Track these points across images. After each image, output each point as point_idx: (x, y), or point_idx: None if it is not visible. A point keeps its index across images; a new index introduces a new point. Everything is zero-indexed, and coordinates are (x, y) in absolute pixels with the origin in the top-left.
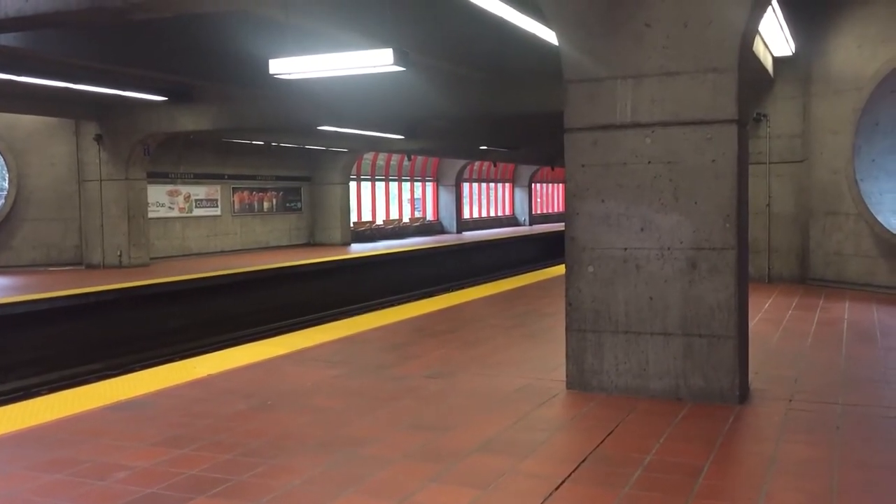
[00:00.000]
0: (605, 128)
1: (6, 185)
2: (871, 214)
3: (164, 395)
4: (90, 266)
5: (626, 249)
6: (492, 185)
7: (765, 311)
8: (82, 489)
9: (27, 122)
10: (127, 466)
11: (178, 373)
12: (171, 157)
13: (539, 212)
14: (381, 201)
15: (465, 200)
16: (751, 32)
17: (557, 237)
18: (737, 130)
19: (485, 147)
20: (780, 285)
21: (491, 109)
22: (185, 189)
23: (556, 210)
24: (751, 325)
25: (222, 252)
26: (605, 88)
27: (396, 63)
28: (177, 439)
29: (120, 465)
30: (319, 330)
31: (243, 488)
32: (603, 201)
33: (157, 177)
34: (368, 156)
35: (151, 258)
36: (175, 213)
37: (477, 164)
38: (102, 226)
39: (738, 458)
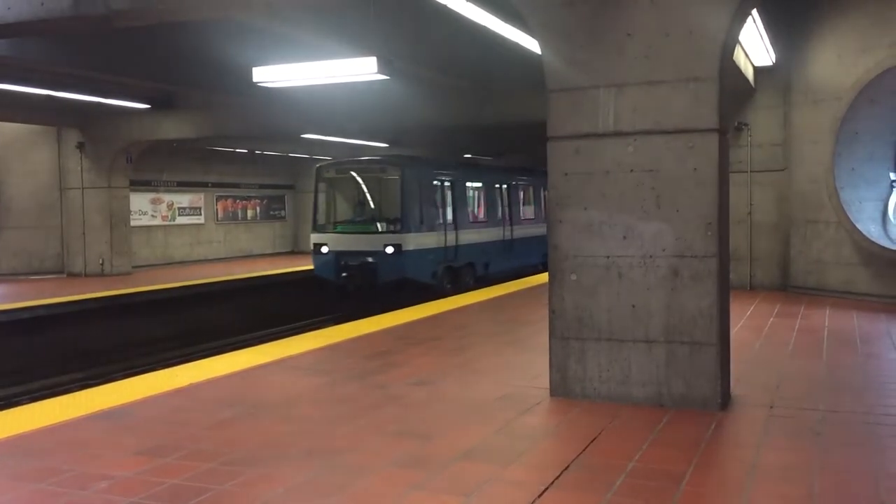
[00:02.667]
0: (587, 136)
1: None
2: (851, 223)
3: (146, 404)
4: (72, 274)
5: (608, 257)
6: None
7: (746, 319)
8: (64, 499)
9: (8, 129)
10: (108, 476)
11: (161, 381)
12: (155, 164)
13: None
14: None
15: None
16: (731, 42)
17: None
18: (718, 139)
19: (469, 155)
20: (761, 293)
21: (476, 118)
22: (168, 197)
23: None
24: (732, 332)
25: (206, 260)
26: (587, 97)
27: (381, 71)
28: (159, 448)
29: (101, 474)
30: (303, 338)
31: (225, 497)
32: (586, 209)
33: (139, 185)
34: None
35: (134, 267)
36: (158, 222)
37: None
38: (84, 234)
39: (719, 464)
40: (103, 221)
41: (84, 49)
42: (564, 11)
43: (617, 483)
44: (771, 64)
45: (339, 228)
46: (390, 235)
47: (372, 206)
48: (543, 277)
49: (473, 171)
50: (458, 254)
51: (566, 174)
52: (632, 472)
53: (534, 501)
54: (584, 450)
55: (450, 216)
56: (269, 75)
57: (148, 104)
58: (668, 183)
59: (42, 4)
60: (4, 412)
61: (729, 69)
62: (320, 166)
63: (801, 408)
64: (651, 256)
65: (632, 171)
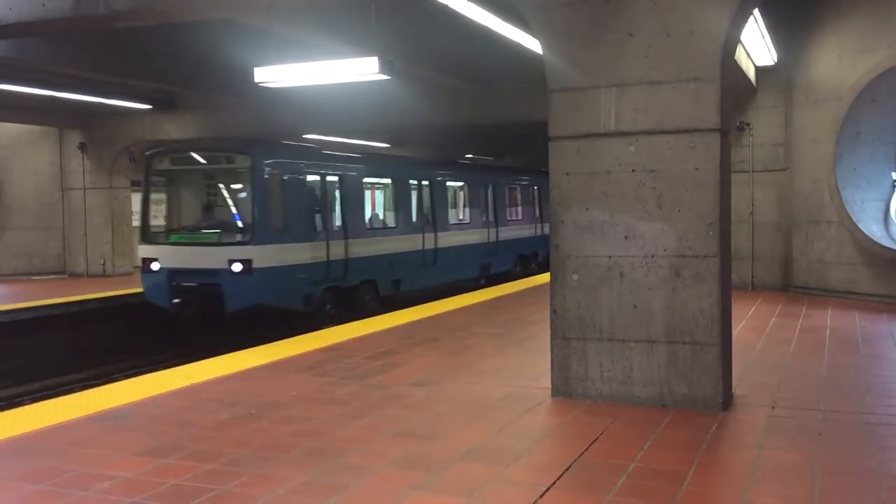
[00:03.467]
0: (588, 136)
1: None
2: (853, 222)
3: (147, 405)
4: (73, 275)
5: (610, 257)
6: None
7: (748, 319)
8: (65, 499)
9: (10, 130)
10: (110, 476)
11: (162, 382)
12: None
13: None
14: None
15: None
16: (732, 42)
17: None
18: (719, 139)
19: (470, 155)
20: (763, 293)
21: (477, 118)
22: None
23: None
24: (734, 332)
25: None
26: (588, 97)
27: (381, 72)
28: (160, 449)
29: (103, 475)
30: (304, 339)
31: (227, 498)
32: (587, 209)
33: (142, 185)
34: None
35: (135, 267)
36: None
37: None
38: (86, 234)
39: (721, 464)
40: (105, 222)
41: (85, 49)
42: (565, 11)
43: (618, 483)
44: (772, 64)
45: (173, 238)
46: (237, 248)
47: (215, 207)
48: (545, 278)
49: (377, 163)
50: (348, 270)
51: (567, 174)
52: (633, 472)
53: (535, 502)
54: (585, 450)
55: (337, 221)
56: (271, 75)
57: (149, 105)
58: (669, 183)
59: (43, 5)
60: (6, 413)
61: (730, 69)
62: (151, 154)
63: (802, 408)
64: (652, 256)
65: (633, 171)
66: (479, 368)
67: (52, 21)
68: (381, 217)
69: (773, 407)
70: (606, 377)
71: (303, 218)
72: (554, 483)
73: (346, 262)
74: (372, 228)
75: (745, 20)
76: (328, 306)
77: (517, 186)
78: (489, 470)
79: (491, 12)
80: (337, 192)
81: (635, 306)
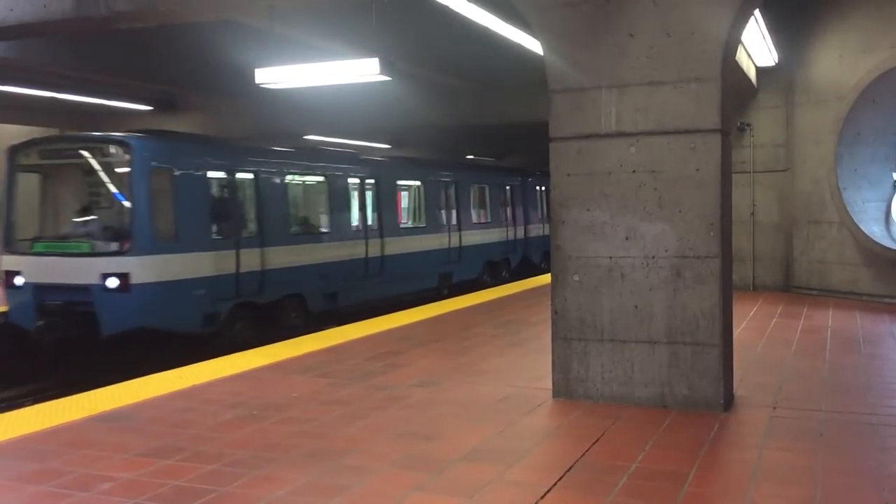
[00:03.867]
0: (589, 137)
1: None
2: (854, 223)
3: (148, 406)
4: None
5: (611, 258)
6: None
7: (749, 319)
8: (66, 500)
9: (11, 131)
10: (111, 477)
11: (163, 383)
12: None
13: None
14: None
15: None
16: (733, 42)
17: None
18: (720, 139)
19: (471, 156)
20: (764, 293)
21: (478, 119)
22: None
23: None
24: (735, 333)
25: None
26: (589, 98)
27: (382, 72)
28: (161, 450)
29: (104, 476)
30: (305, 340)
31: (228, 499)
32: (588, 210)
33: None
34: None
35: None
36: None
37: None
38: None
39: (722, 465)
40: None
41: (87, 51)
42: (566, 12)
43: (620, 484)
44: (773, 64)
45: (38, 248)
46: (111, 259)
47: (89, 210)
48: (546, 279)
49: (305, 158)
50: (265, 283)
51: (568, 175)
52: (635, 472)
53: (537, 502)
54: (586, 451)
55: (252, 226)
56: (272, 77)
57: (151, 106)
58: (670, 183)
59: (44, 6)
60: (7, 414)
61: (731, 69)
62: (15, 146)
63: (804, 408)
64: (653, 257)
65: (634, 171)
66: (480, 369)
67: (54, 22)
68: (310, 221)
69: (775, 407)
70: (607, 378)
71: (202, 223)
72: (555, 484)
73: (263, 274)
74: (299, 234)
75: (745, 20)
76: (237, 326)
77: (486, 186)
78: (490, 470)
79: (491, 13)
80: (251, 193)
81: (636, 307)
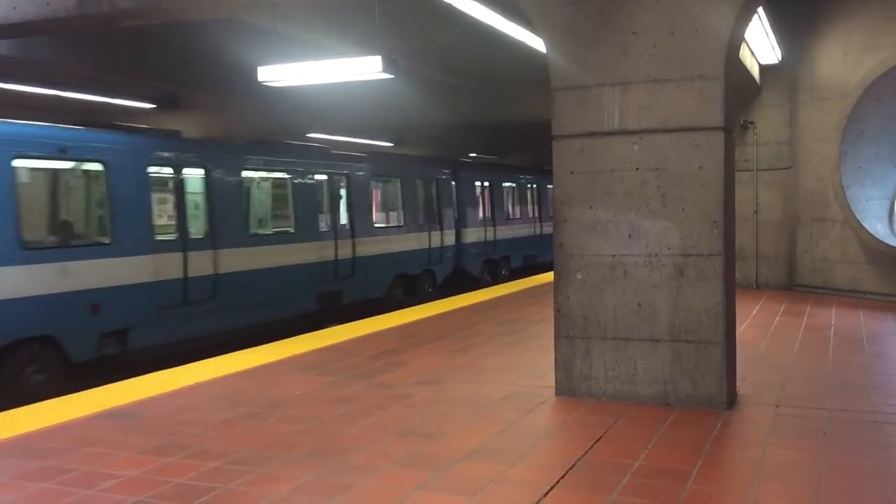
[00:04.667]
0: (592, 135)
1: None
2: (858, 221)
3: (151, 404)
4: None
5: (614, 256)
6: None
7: (752, 318)
8: (69, 498)
9: None
10: (114, 475)
11: (165, 381)
12: None
13: None
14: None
15: None
16: (737, 40)
17: None
18: (723, 137)
19: (474, 154)
20: (767, 292)
21: (480, 117)
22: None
23: None
24: (738, 331)
25: None
26: (592, 96)
27: (385, 71)
28: (164, 448)
29: (107, 473)
30: (308, 338)
31: (231, 497)
32: (591, 208)
33: None
34: None
35: None
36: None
37: None
38: None
39: (725, 463)
40: None
41: (90, 49)
42: (569, 10)
43: (623, 482)
44: (777, 62)
45: None
46: None
47: None
48: (549, 276)
49: (73, 143)
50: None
51: (571, 173)
52: (637, 471)
53: (539, 501)
54: (589, 449)
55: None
56: (275, 75)
57: (153, 104)
58: (673, 181)
59: (47, 4)
60: (9, 412)
61: (734, 67)
62: None
63: (807, 407)
64: (656, 255)
65: (637, 169)
66: (482, 367)
67: (57, 20)
68: (74, 230)
69: (778, 406)
70: (610, 376)
71: None
72: (558, 482)
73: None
74: (48, 249)
75: (749, 18)
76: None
77: (398, 180)
78: (493, 469)
79: (495, 11)
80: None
81: (639, 305)
